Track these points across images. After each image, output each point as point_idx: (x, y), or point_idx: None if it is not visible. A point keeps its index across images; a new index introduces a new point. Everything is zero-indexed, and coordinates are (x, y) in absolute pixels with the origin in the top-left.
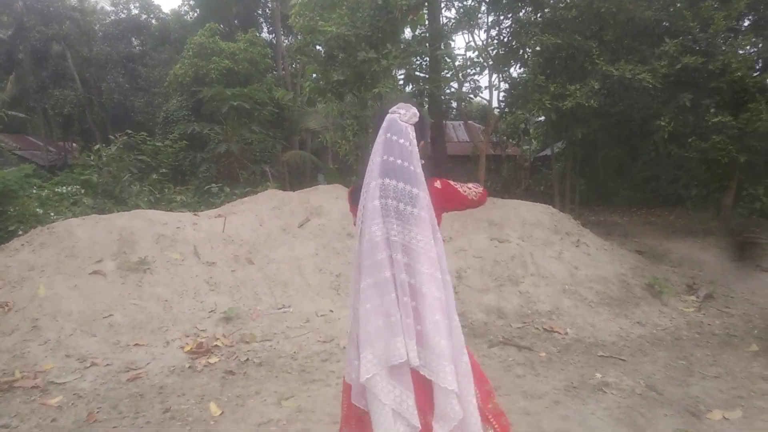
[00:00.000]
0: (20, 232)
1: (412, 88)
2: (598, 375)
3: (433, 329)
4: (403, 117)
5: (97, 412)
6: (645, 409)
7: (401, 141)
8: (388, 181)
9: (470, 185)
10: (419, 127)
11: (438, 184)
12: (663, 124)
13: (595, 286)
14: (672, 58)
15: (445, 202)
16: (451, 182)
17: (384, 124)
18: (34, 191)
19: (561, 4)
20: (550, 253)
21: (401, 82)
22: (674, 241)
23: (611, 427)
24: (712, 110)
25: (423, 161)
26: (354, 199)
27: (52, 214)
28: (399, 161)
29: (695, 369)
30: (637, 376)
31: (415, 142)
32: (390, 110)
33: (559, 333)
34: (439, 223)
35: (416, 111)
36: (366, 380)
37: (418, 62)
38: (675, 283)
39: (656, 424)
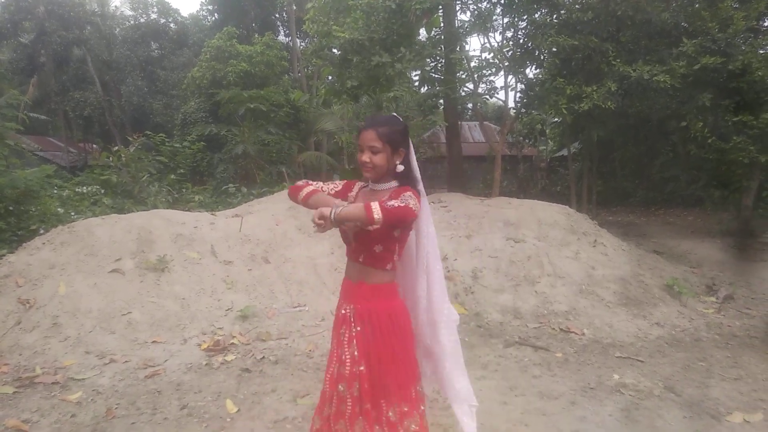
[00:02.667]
0: (41, 231)
1: (427, 89)
2: (616, 376)
3: None
4: None
5: (116, 408)
6: (664, 410)
7: None
8: None
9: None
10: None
11: None
12: (689, 126)
13: (613, 287)
14: (690, 59)
15: None
16: None
17: None
18: (56, 191)
19: (576, 6)
20: (566, 253)
21: (416, 83)
22: (693, 242)
23: (629, 428)
24: (732, 110)
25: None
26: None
27: (73, 213)
28: None
29: (715, 371)
30: (655, 377)
31: None
32: None
33: (576, 333)
34: None
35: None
36: None
37: (433, 64)
38: (694, 284)
39: (675, 426)
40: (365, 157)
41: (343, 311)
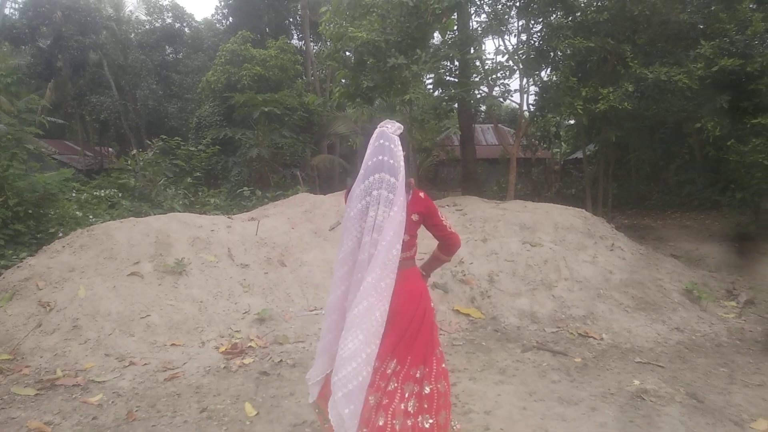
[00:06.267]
0: (60, 234)
1: (441, 93)
2: (636, 382)
3: None
4: (390, 129)
5: (136, 410)
6: (686, 417)
7: (389, 144)
8: (379, 175)
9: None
10: (402, 140)
11: (422, 194)
12: (709, 127)
13: (631, 291)
14: (708, 61)
15: (424, 208)
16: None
17: (375, 134)
18: (74, 195)
19: (592, 8)
20: (583, 257)
21: (430, 87)
22: (711, 245)
23: None
24: (751, 112)
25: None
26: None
27: (91, 216)
28: (387, 158)
29: (737, 377)
30: (676, 383)
31: (399, 145)
32: (379, 125)
33: (595, 338)
34: (409, 230)
35: (400, 125)
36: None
37: (447, 67)
38: (714, 288)
39: None
40: None
41: None
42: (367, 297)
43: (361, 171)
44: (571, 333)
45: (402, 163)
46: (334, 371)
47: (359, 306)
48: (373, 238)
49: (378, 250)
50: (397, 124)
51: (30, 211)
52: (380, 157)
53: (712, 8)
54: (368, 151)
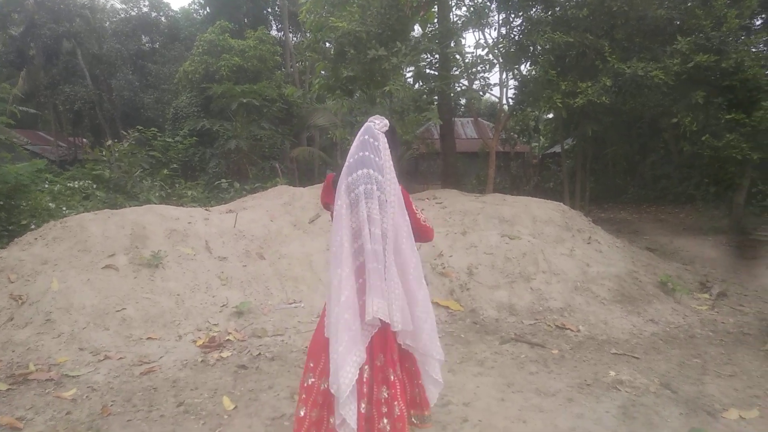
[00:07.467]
0: (33, 227)
1: (421, 86)
2: (612, 373)
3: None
4: (377, 125)
5: (112, 405)
6: (660, 407)
7: (373, 141)
8: (365, 170)
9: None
10: (390, 136)
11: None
12: (686, 122)
13: (607, 284)
14: (684, 56)
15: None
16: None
17: (362, 129)
18: (47, 186)
19: (572, 3)
20: (561, 250)
21: (410, 80)
22: (685, 239)
23: (626, 425)
24: (725, 108)
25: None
26: (335, 185)
27: (64, 208)
28: (371, 155)
29: (710, 367)
30: (651, 374)
31: (385, 143)
32: (369, 119)
33: (572, 330)
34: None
35: (387, 122)
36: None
37: (428, 60)
38: (687, 281)
39: (671, 422)
40: None
41: None
42: (427, 308)
43: (346, 165)
44: (549, 325)
45: (388, 161)
46: (431, 370)
47: (427, 322)
48: (373, 232)
49: (411, 266)
50: (385, 120)
51: (1, 203)
52: (364, 153)
53: (689, 4)
54: (353, 145)
